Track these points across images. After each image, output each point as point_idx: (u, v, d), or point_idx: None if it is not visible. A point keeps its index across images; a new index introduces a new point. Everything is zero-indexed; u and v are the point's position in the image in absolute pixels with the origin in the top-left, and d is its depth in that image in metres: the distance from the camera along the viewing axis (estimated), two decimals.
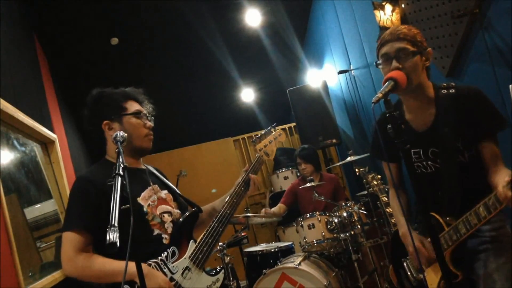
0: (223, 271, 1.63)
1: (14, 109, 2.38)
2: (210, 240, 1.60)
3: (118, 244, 1.04)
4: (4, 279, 1.88)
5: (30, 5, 3.43)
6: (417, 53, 1.47)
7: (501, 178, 1.26)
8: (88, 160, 4.85)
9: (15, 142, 2.58)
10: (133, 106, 1.67)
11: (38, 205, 2.76)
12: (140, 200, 1.56)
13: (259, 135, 1.93)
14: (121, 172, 1.21)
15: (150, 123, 1.68)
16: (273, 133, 1.95)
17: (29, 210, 2.53)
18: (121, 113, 1.63)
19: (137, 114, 1.65)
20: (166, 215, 1.61)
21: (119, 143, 1.35)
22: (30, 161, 2.79)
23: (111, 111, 1.63)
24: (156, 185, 1.68)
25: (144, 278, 1.18)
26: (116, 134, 1.39)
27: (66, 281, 2.64)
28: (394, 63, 1.46)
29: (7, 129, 2.45)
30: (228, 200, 1.71)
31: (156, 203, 1.61)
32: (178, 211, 1.69)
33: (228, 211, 1.67)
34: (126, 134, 1.43)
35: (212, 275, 1.59)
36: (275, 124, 2.02)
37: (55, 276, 2.51)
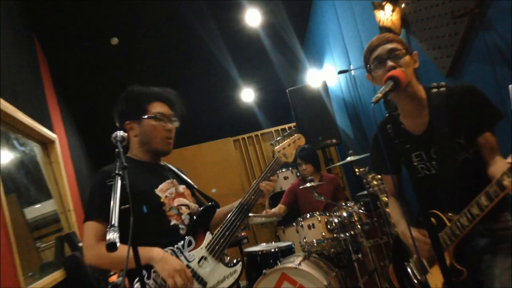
0: (240, 263, 1.65)
1: (14, 109, 2.38)
2: (227, 233, 1.62)
3: (118, 244, 1.05)
4: (4, 279, 1.88)
5: (30, 5, 3.43)
6: (407, 53, 1.52)
7: (499, 167, 1.27)
8: (88, 160, 4.85)
9: (15, 142, 2.58)
10: (157, 108, 1.68)
11: (38, 205, 2.76)
12: (157, 191, 1.61)
13: (278, 139, 1.97)
14: (120, 172, 1.21)
15: (170, 126, 1.69)
16: (292, 136, 1.98)
17: (29, 210, 2.53)
18: (140, 115, 1.66)
19: (155, 117, 1.66)
20: (183, 208, 1.65)
21: (118, 143, 1.36)
22: (30, 161, 2.80)
23: (132, 112, 1.67)
24: (175, 180, 1.72)
25: (140, 263, 1.22)
26: (116, 134, 1.40)
27: (66, 281, 2.64)
28: (389, 63, 1.49)
29: (7, 129, 2.45)
30: (246, 195, 1.72)
31: (174, 195, 1.65)
32: (196, 205, 1.73)
33: (245, 207, 1.69)
34: (126, 134, 1.43)
35: (230, 266, 1.62)
36: (295, 128, 2.04)
37: (55, 276, 2.51)
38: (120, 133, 1.42)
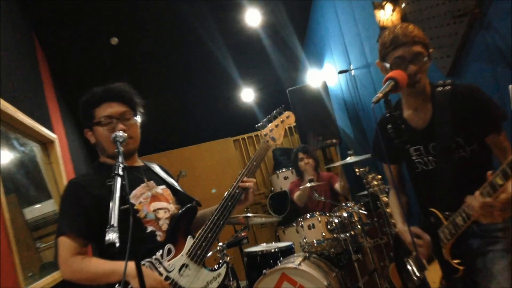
0: (225, 265, 1.57)
1: (14, 109, 2.38)
2: (209, 235, 1.53)
3: (117, 244, 1.04)
4: (4, 279, 1.88)
5: (30, 5, 3.43)
6: (428, 57, 1.51)
7: None
8: (88, 160, 4.85)
9: (15, 142, 2.58)
10: (104, 110, 1.55)
11: (38, 205, 2.76)
12: (131, 198, 1.53)
13: (264, 120, 1.80)
14: (120, 172, 1.21)
15: (122, 126, 1.53)
16: (280, 116, 1.81)
17: (28, 210, 2.53)
18: (89, 123, 1.57)
19: (100, 122, 1.54)
20: (161, 212, 1.57)
21: (118, 143, 1.35)
22: (29, 161, 2.79)
23: (85, 120, 1.59)
24: (152, 181, 1.64)
25: (142, 276, 1.18)
26: (116, 134, 1.39)
27: (65, 281, 2.64)
28: (412, 67, 1.47)
29: (7, 129, 2.45)
30: (230, 191, 1.61)
31: (149, 200, 1.57)
32: (177, 206, 1.65)
33: (229, 203, 1.58)
34: (126, 134, 1.43)
35: (213, 270, 1.54)
36: (283, 106, 1.86)
37: (55, 276, 2.51)
38: (120, 133, 1.41)
